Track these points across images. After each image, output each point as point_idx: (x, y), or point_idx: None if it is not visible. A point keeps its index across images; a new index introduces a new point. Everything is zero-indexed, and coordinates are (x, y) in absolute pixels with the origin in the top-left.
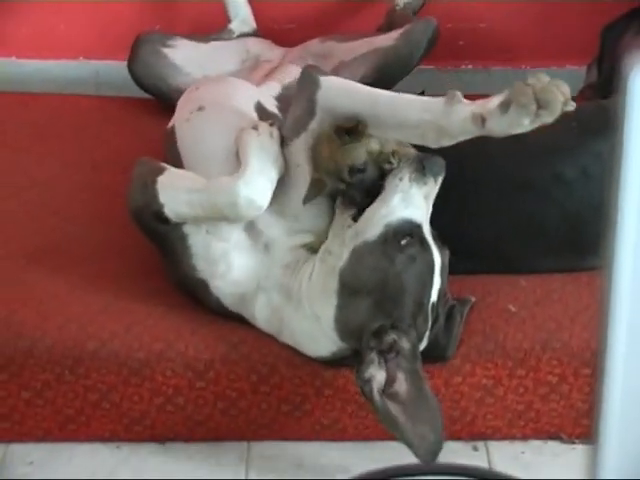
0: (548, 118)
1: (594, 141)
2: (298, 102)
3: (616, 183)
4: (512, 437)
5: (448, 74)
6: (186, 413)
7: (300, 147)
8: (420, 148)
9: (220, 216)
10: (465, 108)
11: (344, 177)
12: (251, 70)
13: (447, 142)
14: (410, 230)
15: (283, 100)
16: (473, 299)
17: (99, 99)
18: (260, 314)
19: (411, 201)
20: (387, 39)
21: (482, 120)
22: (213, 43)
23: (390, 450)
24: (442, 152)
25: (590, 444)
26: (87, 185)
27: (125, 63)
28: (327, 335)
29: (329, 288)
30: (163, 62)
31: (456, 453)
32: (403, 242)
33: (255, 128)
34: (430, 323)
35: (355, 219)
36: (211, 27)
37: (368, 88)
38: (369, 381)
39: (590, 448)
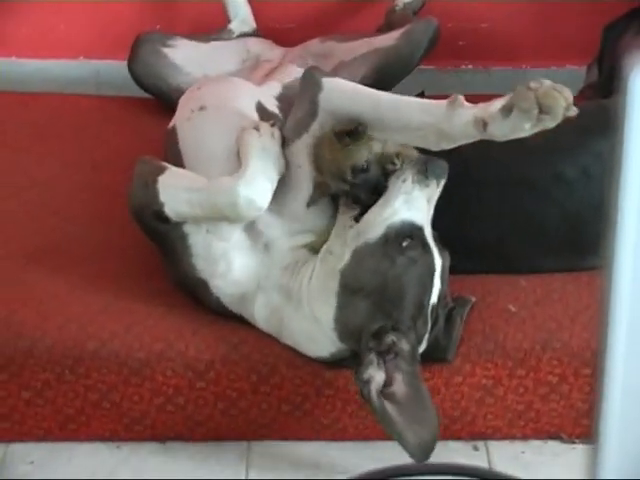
0: (550, 123)
1: (594, 141)
2: (300, 103)
3: (616, 183)
4: (512, 437)
5: (448, 74)
6: (186, 413)
7: (301, 148)
8: (423, 150)
9: (220, 216)
10: (467, 112)
11: (347, 178)
12: (251, 70)
13: (448, 145)
14: (411, 232)
15: (284, 100)
16: (473, 299)
17: (99, 99)
18: (259, 314)
19: (413, 203)
20: (387, 39)
21: (484, 124)
22: (213, 43)
23: (390, 450)
24: (443, 154)
25: (590, 444)
26: (87, 185)
27: (125, 63)
28: (326, 336)
29: (329, 288)
30: (163, 62)
31: (456, 453)
32: (404, 244)
33: (256, 128)
34: (430, 325)
35: (357, 220)
36: (211, 27)
37: (370, 90)
38: (368, 382)
39: (590, 448)
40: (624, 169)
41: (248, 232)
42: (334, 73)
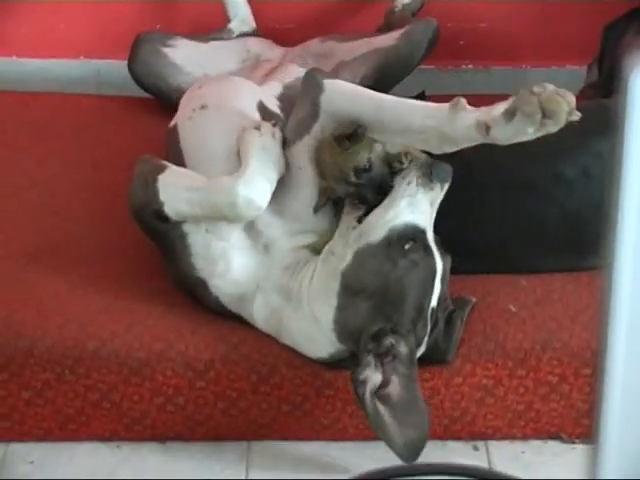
0: (553, 127)
1: (595, 141)
2: (301, 105)
3: (616, 183)
4: (512, 437)
5: (448, 74)
6: (186, 413)
7: (302, 149)
8: (427, 153)
9: (219, 215)
10: (469, 115)
11: (351, 179)
12: (251, 70)
13: (450, 149)
14: (414, 235)
15: (285, 100)
16: (474, 300)
17: (100, 98)
18: (258, 314)
19: (417, 206)
20: (388, 39)
21: (486, 128)
22: (213, 43)
23: (390, 450)
24: (446, 157)
25: (590, 444)
26: (87, 185)
27: (126, 62)
28: (325, 336)
29: (330, 289)
30: (163, 62)
31: (456, 453)
32: (407, 247)
33: (257, 128)
34: (429, 328)
35: (360, 221)
36: (211, 27)
37: (372, 92)
38: (363, 382)
39: (590, 448)
40: (624, 169)
41: (248, 232)
42: (334, 73)
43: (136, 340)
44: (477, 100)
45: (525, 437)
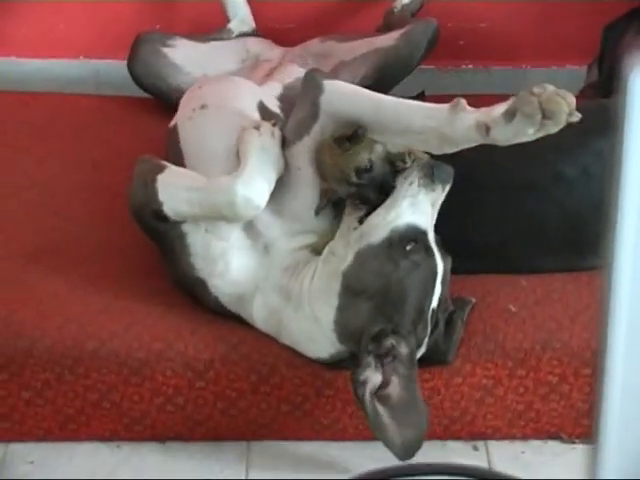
0: (553, 128)
1: (594, 140)
2: (301, 105)
3: (616, 182)
4: (512, 437)
5: (448, 74)
6: (186, 413)
7: (302, 150)
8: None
9: (218, 215)
10: (469, 116)
11: (352, 180)
12: (251, 70)
13: (450, 149)
14: (415, 236)
15: (285, 100)
16: (473, 300)
17: (99, 98)
18: (258, 314)
19: (418, 207)
20: (387, 39)
21: (486, 129)
22: (212, 43)
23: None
24: (447, 158)
25: (590, 444)
26: (87, 185)
27: (125, 62)
28: (326, 336)
29: (331, 289)
30: (163, 62)
31: (456, 453)
32: (408, 248)
33: (257, 128)
34: (429, 329)
35: (361, 221)
36: (211, 27)
37: (372, 93)
38: (363, 383)
39: (590, 448)
40: (624, 168)
41: (247, 232)
42: (334, 73)
43: (136, 340)
44: (477, 100)
45: (525, 437)
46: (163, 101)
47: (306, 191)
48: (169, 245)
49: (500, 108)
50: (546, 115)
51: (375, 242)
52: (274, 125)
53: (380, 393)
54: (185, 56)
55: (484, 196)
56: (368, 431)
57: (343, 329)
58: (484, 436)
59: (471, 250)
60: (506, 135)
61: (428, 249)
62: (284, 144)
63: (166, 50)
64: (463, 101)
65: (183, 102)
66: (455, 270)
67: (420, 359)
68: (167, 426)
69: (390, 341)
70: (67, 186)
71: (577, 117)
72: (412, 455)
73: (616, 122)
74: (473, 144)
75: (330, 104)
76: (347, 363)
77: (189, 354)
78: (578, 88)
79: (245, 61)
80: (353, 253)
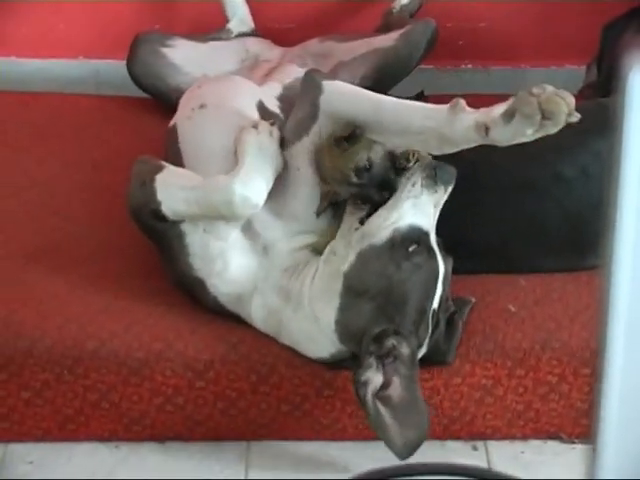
0: (552, 129)
1: (594, 140)
2: (300, 105)
3: (615, 182)
4: (512, 437)
5: (447, 73)
6: (186, 413)
7: (301, 150)
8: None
9: (216, 214)
10: (468, 116)
11: (352, 180)
12: (250, 70)
13: (450, 150)
14: (418, 237)
15: (284, 100)
16: (473, 300)
17: (99, 98)
18: (257, 315)
19: (421, 208)
20: (386, 39)
21: (485, 129)
22: (212, 43)
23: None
24: (447, 158)
25: (589, 444)
26: (87, 185)
27: (125, 62)
28: (327, 337)
29: (332, 290)
30: (162, 62)
31: (455, 453)
32: (410, 249)
33: (255, 127)
34: (430, 330)
35: (362, 222)
36: (210, 27)
37: (371, 93)
38: (365, 384)
39: (589, 448)
40: (623, 168)
41: (245, 232)
42: (333, 73)
43: (135, 340)
44: (476, 100)
45: (524, 437)
46: (162, 101)
47: (305, 191)
48: (167, 245)
49: (499, 109)
50: (545, 116)
51: (377, 243)
52: (272, 124)
53: (381, 394)
54: (184, 56)
55: (484, 196)
56: (368, 431)
57: (344, 329)
58: (483, 436)
59: (471, 250)
60: (505, 136)
61: (430, 250)
62: (283, 144)
63: (165, 50)
64: (462, 102)
65: (182, 102)
66: (456, 270)
67: (420, 359)
68: (166, 426)
69: (391, 341)
70: (67, 186)
71: (576, 117)
72: (412, 453)
73: (615, 121)
74: (472, 145)
75: (329, 104)
76: (348, 363)
77: (189, 354)
78: (577, 88)
79: (244, 61)
80: (355, 253)
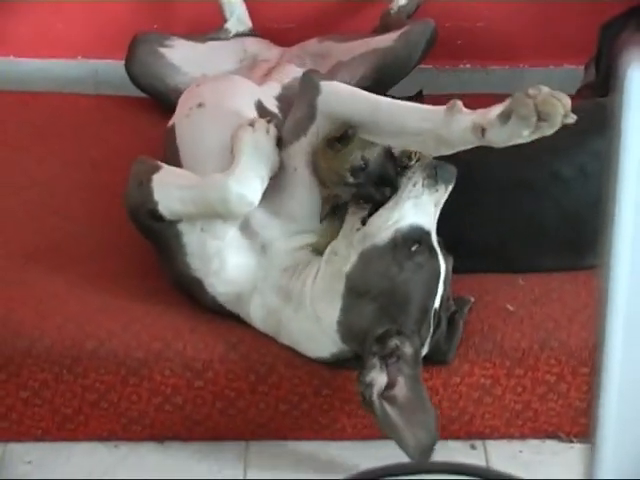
0: (548, 130)
1: (592, 139)
2: (298, 106)
3: (613, 181)
4: (510, 436)
5: (446, 73)
6: (184, 413)
7: (299, 151)
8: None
9: (212, 212)
10: (465, 118)
11: (349, 181)
12: (249, 69)
13: (447, 151)
14: (420, 237)
15: (283, 100)
16: (472, 299)
17: (98, 98)
18: (256, 314)
19: (422, 208)
20: (386, 40)
21: (482, 130)
22: (210, 43)
23: (388, 449)
24: (443, 158)
25: (588, 443)
26: (87, 184)
27: (123, 62)
28: (328, 336)
29: (334, 290)
30: (160, 62)
31: (454, 452)
32: (413, 249)
33: (252, 125)
34: (432, 329)
35: (364, 222)
36: (208, 27)
37: (368, 94)
38: (370, 385)
39: (588, 447)
40: (621, 167)
41: (243, 232)
42: (332, 73)
43: (134, 339)
44: (475, 100)
45: (523, 436)
46: (161, 101)
47: (302, 192)
48: (165, 245)
49: (496, 110)
50: (541, 117)
51: (379, 243)
52: (269, 122)
53: (387, 394)
54: (183, 56)
55: (482, 196)
56: (366, 430)
57: (347, 330)
58: (482, 435)
59: (470, 250)
60: (502, 137)
61: (432, 250)
62: (281, 144)
63: (164, 50)
64: (459, 103)
65: (181, 101)
66: (454, 270)
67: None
68: (165, 426)
69: (394, 342)
70: (66, 185)
71: (572, 119)
72: (427, 456)
73: (613, 120)
74: (469, 146)
75: (327, 105)
76: (349, 362)
77: (188, 354)
78: (576, 88)
79: (243, 61)
80: (357, 254)
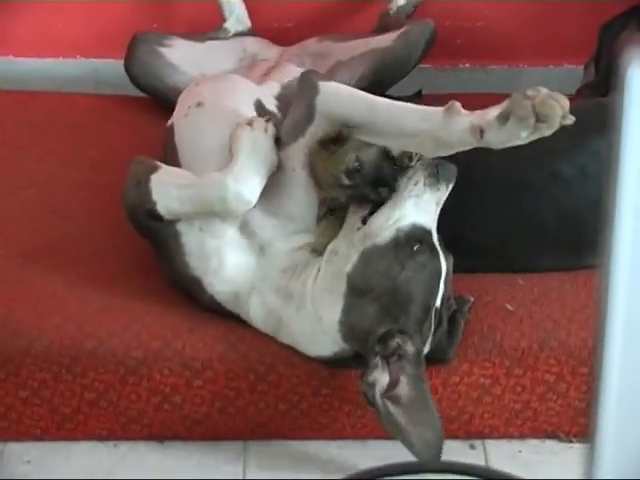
0: (546, 131)
1: (592, 139)
2: (296, 106)
3: (613, 181)
4: (509, 436)
5: (446, 73)
6: (183, 412)
7: (297, 151)
8: None
9: (210, 211)
10: (464, 119)
11: (344, 182)
12: (248, 69)
13: (445, 152)
14: (421, 236)
15: (282, 99)
16: (472, 299)
17: (97, 97)
18: (255, 314)
19: (423, 206)
20: (385, 40)
21: (480, 132)
22: (209, 42)
23: (388, 448)
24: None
25: (587, 443)
26: (86, 184)
27: (122, 62)
28: (330, 336)
29: (336, 290)
30: (160, 61)
31: (453, 452)
32: (415, 248)
33: (250, 124)
34: (433, 328)
35: (364, 221)
36: (208, 27)
37: (367, 95)
38: (373, 385)
39: (587, 447)
40: (621, 167)
41: (242, 231)
42: (331, 73)
43: (133, 339)
44: (474, 99)
45: (522, 436)
46: (160, 101)
47: (301, 192)
48: (164, 244)
49: (494, 111)
50: (540, 118)
51: (381, 243)
52: (267, 121)
53: (389, 393)
54: (182, 56)
55: (482, 196)
56: (366, 430)
57: (348, 329)
58: (481, 435)
59: (470, 249)
60: (500, 138)
61: (433, 249)
62: (280, 145)
63: (163, 50)
64: (457, 104)
65: (180, 100)
66: (454, 269)
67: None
68: (164, 425)
69: (396, 341)
70: (65, 185)
71: (571, 120)
72: (437, 455)
73: (613, 120)
74: (468, 147)
75: (325, 105)
76: (349, 362)
77: (187, 353)
78: (575, 87)
79: (242, 60)
80: (357, 253)
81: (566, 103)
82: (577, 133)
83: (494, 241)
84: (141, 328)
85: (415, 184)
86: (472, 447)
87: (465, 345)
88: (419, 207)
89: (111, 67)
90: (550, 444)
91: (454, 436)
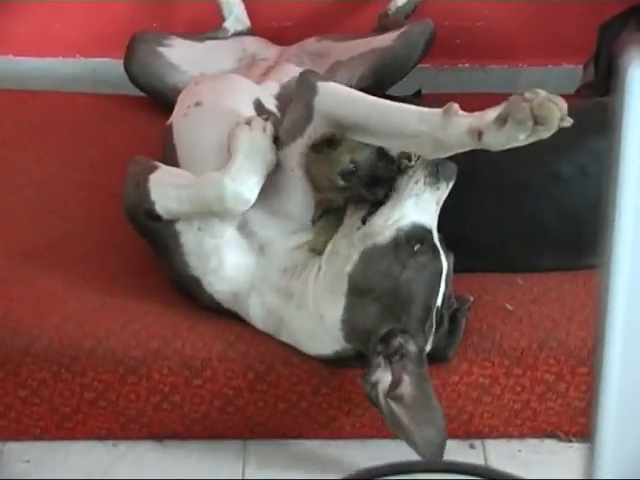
0: (545, 134)
1: (592, 139)
2: (295, 107)
3: (613, 181)
4: (509, 435)
5: (445, 72)
6: (183, 411)
7: (295, 152)
8: None
9: (208, 211)
10: (462, 121)
11: (340, 185)
12: (248, 69)
13: (444, 154)
14: (422, 236)
15: (282, 99)
16: (471, 298)
17: (96, 97)
18: (255, 313)
19: (423, 206)
20: (385, 40)
21: (479, 134)
22: (209, 42)
23: (387, 448)
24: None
25: (587, 442)
26: (85, 183)
27: (122, 61)
28: (332, 335)
29: (337, 290)
30: (159, 61)
31: (453, 451)
32: (415, 248)
33: (248, 123)
34: (435, 327)
35: (364, 221)
36: (207, 26)
37: (366, 95)
38: (375, 385)
39: (587, 446)
40: (621, 167)
41: (241, 231)
42: (330, 73)
43: (132, 338)
44: (474, 99)
45: (522, 436)
46: (160, 101)
47: (299, 193)
48: (163, 244)
49: (492, 113)
50: (538, 121)
51: (381, 242)
52: (266, 120)
53: (392, 393)
54: (181, 55)
55: (482, 196)
56: (365, 429)
57: (350, 329)
58: (481, 435)
59: (469, 249)
60: (498, 140)
61: (434, 248)
62: (279, 145)
63: (162, 50)
64: (456, 105)
65: (180, 99)
66: (454, 269)
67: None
68: (164, 424)
69: (398, 340)
70: (65, 184)
71: (569, 122)
72: (440, 455)
73: (613, 120)
74: (466, 149)
75: (324, 106)
76: (350, 361)
77: (186, 352)
78: (575, 87)
79: (242, 60)
80: (358, 253)
81: (564, 105)
82: (577, 133)
83: (494, 241)
84: (140, 327)
85: (415, 183)
86: (472, 447)
87: (465, 345)
88: (419, 206)
89: (110, 67)
90: (549, 444)
91: (454, 436)
